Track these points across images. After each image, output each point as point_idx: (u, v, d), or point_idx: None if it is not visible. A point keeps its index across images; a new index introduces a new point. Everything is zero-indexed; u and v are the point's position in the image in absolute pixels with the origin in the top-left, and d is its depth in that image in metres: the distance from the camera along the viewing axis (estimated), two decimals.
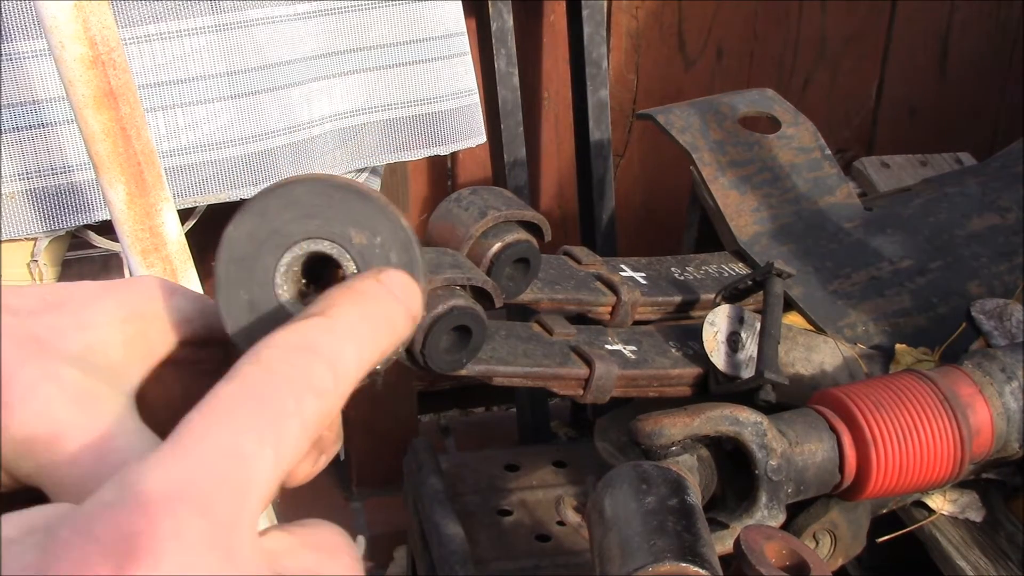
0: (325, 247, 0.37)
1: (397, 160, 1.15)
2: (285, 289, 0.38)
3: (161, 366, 0.39)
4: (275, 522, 1.00)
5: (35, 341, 0.36)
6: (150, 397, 0.38)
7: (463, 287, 0.70)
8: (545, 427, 1.63)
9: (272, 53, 1.04)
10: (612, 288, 0.89)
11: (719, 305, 0.87)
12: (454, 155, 1.69)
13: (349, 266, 0.38)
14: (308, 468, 0.38)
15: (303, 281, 0.38)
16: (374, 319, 0.35)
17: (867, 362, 0.92)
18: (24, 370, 0.35)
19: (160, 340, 0.39)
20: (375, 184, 1.22)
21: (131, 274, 0.87)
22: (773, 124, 1.13)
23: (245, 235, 0.37)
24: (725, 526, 0.71)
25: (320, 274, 0.39)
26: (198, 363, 0.40)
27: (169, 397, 0.39)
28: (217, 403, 0.31)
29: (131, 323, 0.38)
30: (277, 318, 0.37)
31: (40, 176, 0.97)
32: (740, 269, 1.01)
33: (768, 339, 0.81)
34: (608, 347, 0.84)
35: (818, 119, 1.15)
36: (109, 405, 0.36)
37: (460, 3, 1.15)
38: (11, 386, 0.34)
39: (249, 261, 0.37)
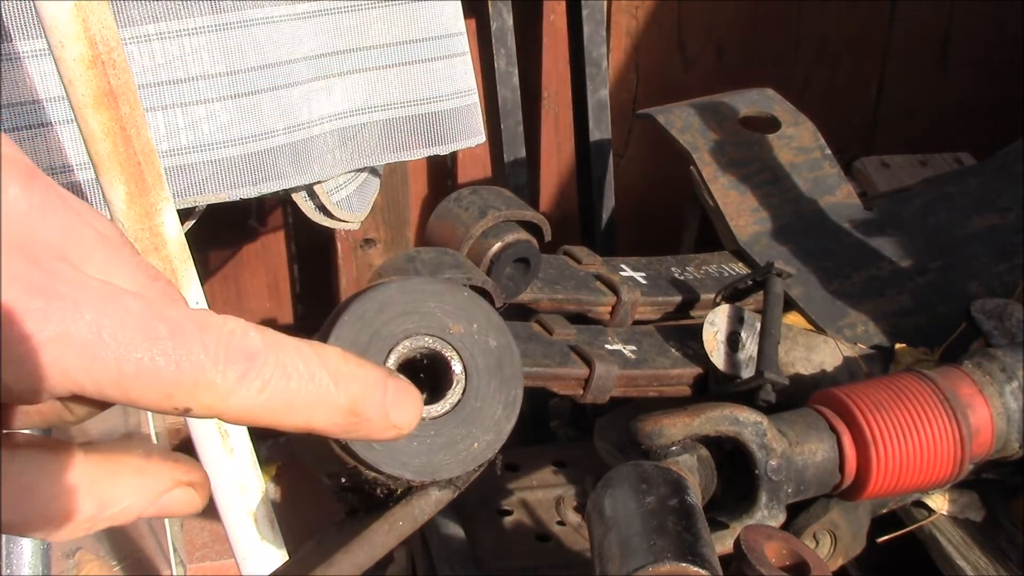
0: (427, 342, 0.39)
1: (397, 160, 1.15)
2: None
3: None
4: (275, 523, 0.99)
5: None
6: None
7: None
8: (545, 427, 1.63)
9: (272, 53, 1.03)
10: (612, 288, 0.89)
11: (719, 305, 0.87)
12: (454, 155, 1.69)
13: (452, 356, 0.39)
14: None
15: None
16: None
17: (867, 362, 0.91)
18: None
19: None
20: (375, 184, 1.22)
21: None
22: (773, 124, 1.13)
23: (349, 342, 0.38)
24: (725, 526, 0.71)
25: (426, 366, 0.40)
26: None
27: None
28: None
29: None
30: None
31: None
32: (740, 269, 1.01)
33: (768, 339, 0.81)
34: (608, 347, 0.84)
35: (818, 119, 1.15)
36: None
37: (459, 2, 1.15)
38: None
39: None
